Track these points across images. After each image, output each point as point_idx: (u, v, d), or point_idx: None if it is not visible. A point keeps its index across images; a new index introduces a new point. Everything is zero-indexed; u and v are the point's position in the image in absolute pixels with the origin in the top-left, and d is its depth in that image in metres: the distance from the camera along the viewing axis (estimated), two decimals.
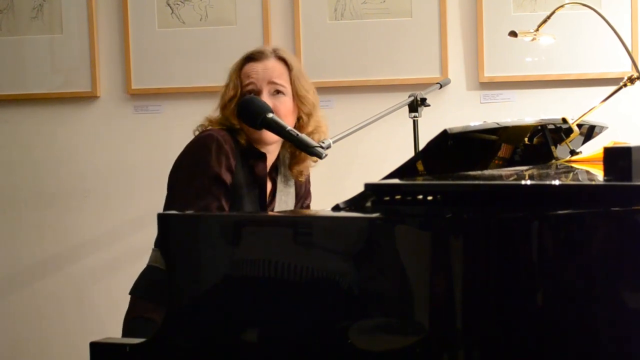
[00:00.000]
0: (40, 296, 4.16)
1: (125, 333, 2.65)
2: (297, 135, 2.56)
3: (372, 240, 1.80)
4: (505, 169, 2.45)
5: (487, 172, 2.33)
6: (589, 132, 2.90)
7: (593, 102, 2.83)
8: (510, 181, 2.03)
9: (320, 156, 2.56)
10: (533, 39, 3.05)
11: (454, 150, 2.23)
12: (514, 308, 1.70)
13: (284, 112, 2.71)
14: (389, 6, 3.91)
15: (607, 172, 1.78)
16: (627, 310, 1.70)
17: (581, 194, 1.76)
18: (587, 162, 2.59)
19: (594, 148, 2.66)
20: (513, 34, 3.00)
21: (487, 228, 1.71)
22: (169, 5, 4.03)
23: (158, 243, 2.74)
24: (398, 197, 1.82)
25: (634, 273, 1.70)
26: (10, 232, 4.18)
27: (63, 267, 4.14)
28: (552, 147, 2.66)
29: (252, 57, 2.76)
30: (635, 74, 2.80)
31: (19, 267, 4.17)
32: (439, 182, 1.94)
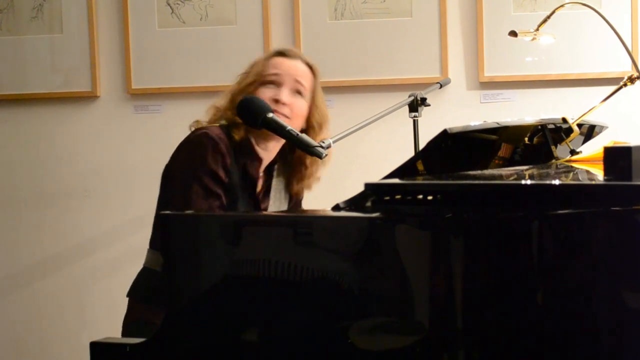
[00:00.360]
0: (40, 296, 4.16)
1: (125, 336, 2.65)
2: (297, 135, 2.55)
3: (372, 240, 1.80)
4: (505, 168, 2.45)
5: (487, 172, 2.33)
6: (589, 132, 2.90)
7: (593, 102, 2.83)
8: (510, 181, 2.03)
9: (320, 156, 2.55)
10: (533, 39, 3.05)
11: (454, 150, 2.23)
12: (514, 308, 1.70)
13: (298, 112, 2.70)
14: (389, 6, 3.91)
15: (607, 172, 1.78)
16: (627, 310, 1.70)
17: (581, 194, 1.76)
18: (587, 161, 2.59)
19: (594, 148, 2.66)
20: (513, 33, 3.00)
21: (487, 228, 1.71)
22: (169, 5, 4.03)
23: (153, 243, 2.74)
24: (398, 196, 1.82)
25: (634, 273, 1.70)
26: (10, 232, 4.18)
27: (63, 267, 4.14)
28: (552, 147, 2.66)
29: (283, 53, 2.74)
30: (635, 74, 2.80)
31: (19, 267, 4.18)
32: (439, 181, 1.94)
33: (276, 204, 2.80)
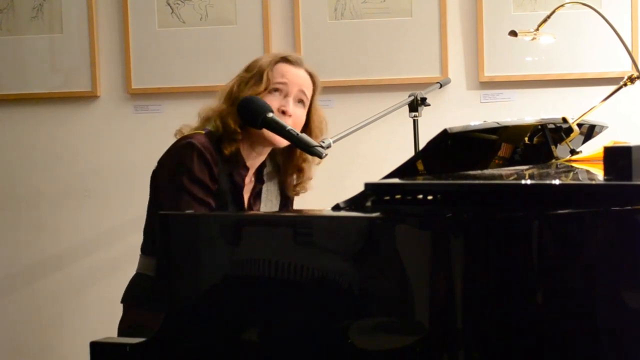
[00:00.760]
0: (40, 296, 4.16)
1: None
2: (297, 134, 2.55)
3: (372, 240, 1.80)
4: (505, 168, 2.45)
5: (487, 171, 2.33)
6: (589, 132, 2.90)
7: (593, 102, 2.83)
8: (510, 181, 2.03)
9: (320, 156, 2.55)
10: (533, 39, 3.05)
11: (454, 150, 2.23)
12: (514, 308, 1.70)
13: (298, 122, 2.72)
14: (389, 6, 3.91)
15: (607, 172, 1.78)
16: (627, 310, 1.70)
17: (581, 194, 1.76)
18: (587, 161, 2.59)
19: (594, 147, 2.66)
20: (513, 33, 3.00)
21: (487, 228, 1.71)
22: (169, 4, 4.03)
23: (145, 249, 2.75)
24: (398, 196, 1.82)
25: (634, 273, 1.70)
26: (10, 232, 4.18)
27: (63, 267, 4.14)
28: (552, 147, 2.66)
29: (288, 59, 2.74)
30: (635, 74, 2.80)
31: (18, 267, 4.17)
32: (439, 181, 1.94)
33: (268, 205, 2.80)
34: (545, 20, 3.00)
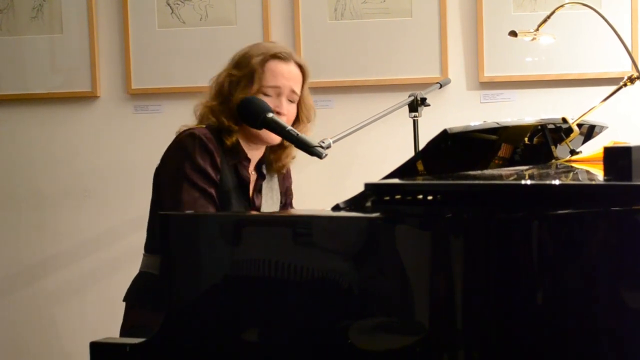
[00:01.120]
0: (40, 296, 4.16)
1: None
2: (297, 135, 2.56)
3: (372, 240, 1.80)
4: (505, 168, 2.45)
5: (487, 172, 2.33)
6: (589, 132, 2.90)
7: (593, 102, 2.83)
8: (510, 181, 2.03)
9: (320, 156, 2.55)
10: (533, 39, 3.05)
11: (454, 150, 2.23)
12: (514, 308, 1.70)
13: (291, 117, 2.74)
14: (389, 6, 3.91)
15: (607, 172, 1.78)
16: (627, 310, 1.70)
17: (581, 194, 1.76)
18: (587, 161, 2.59)
19: (594, 148, 2.66)
20: (513, 33, 3.00)
21: (487, 228, 1.71)
22: (169, 5, 4.03)
23: (148, 248, 2.75)
24: (398, 197, 1.82)
25: (634, 273, 1.70)
26: (10, 232, 4.18)
27: (63, 267, 4.14)
28: (552, 147, 2.66)
29: (278, 56, 2.74)
30: (635, 74, 2.80)
31: (19, 267, 4.17)
32: (439, 181, 1.94)
33: (268, 202, 2.80)
34: (545, 21, 3.00)
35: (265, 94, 2.69)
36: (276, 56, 2.73)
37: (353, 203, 1.88)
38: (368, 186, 1.86)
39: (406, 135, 3.44)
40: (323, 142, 2.58)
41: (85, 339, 2.15)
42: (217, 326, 1.93)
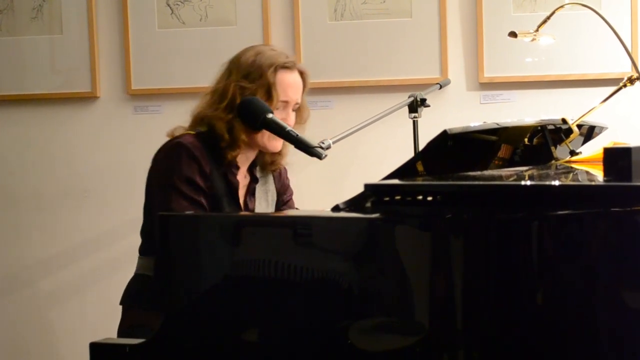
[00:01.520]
0: (40, 296, 4.16)
1: None
2: (297, 135, 2.56)
3: (372, 241, 1.80)
4: (505, 169, 2.45)
5: (487, 172, 2.33)
6: (589, 133, 2.90)
7: (593, 103, 2.83)
8: (510, 181, 2.03)
9: (320, 157, 2.55)
10: (533, 40, 3.05)
11: (454, 151, 2.23)
12: (513, 308, 1.70)
13: (291, 123, 2.74)
14: (389, 6, 3.91)
15: (606, 173, 1.78)
16: (627, 310, 1.70)
17: (581, 194, 1.76)
18: (587, 162, 2.59)
19: (593, 148, 2.66)
20: (513, 34, 3.00)
21: (487, 228, 1.71)
22: (168, 5, 4.03)
23: (143, 250, 2.75)
24: (398, 197, 1.82)
25: (634, 273, 1.70)
26: (10, 232, 4.18)
27: (63, 267, 4.14)
28: (552, 148, 2.66)
29: (287, 66, 2.72)
30: (635, 75, 2.80)
31: (19, 267, 4.17)
32: (438, 182, 1.94)
33: (262, 205, 2.80)
34: (545, 21, 3.00)
35: (276, 108, 2.69)
36: (284, 66, 2.72)
37: (353, 204, 1.88)
38: (368, 187, 1.86)
39: (406, 135, 3.44)
40: (323, 143, 2.58)
41: (85, 340, 2.15)
42: (217, 326, 1.93)
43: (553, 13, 2.97)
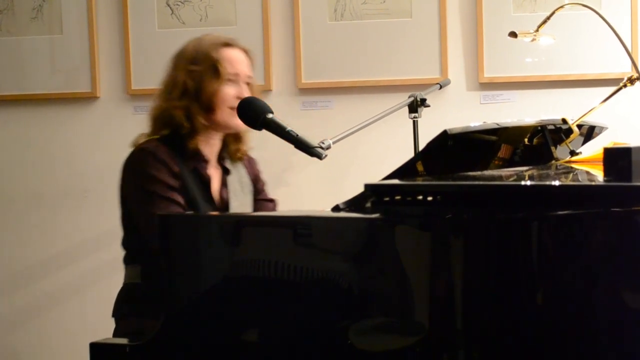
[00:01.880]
0: (40, 296, 4.16)
1: None
2: (297, 135, 2.56)
3: (372, 241, 1.80)
4: (505, 169, 2.45)
5: (487, 172, 2.33)
6: (589, 133, 2.90)
7: (593, 103, 2.83)
8: (510, 182, 2.03)
9: (320, 157, 2.55)
10: (533, 40, 3.05)
11: (454, 151, 2.23)
12: (513, 308, 1.70)
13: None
14: (389, 6, 3.91)
15: (607, 173, 1.78)
16: (627, 310, 1.70)
17: (581, 195, 1.76)
18: (587, 162, 2.59)
19: (593, 148, 2.66)
20: (513, 34, 3.00)
21: (487, 228, 1.71)
22: (168, 5, 4.03)
23: (128, 260, 2.77)
24: (398, 197, 1.82)
25: (634, 273, 1.70)
26: (10, 232, 4.18)
27: (63, 267, 4.14)
28: (552, 148, 2.66)
29: (229, 44, 2.79)
30: (635, 75, 2.80)
31: (19, 267, 4.17)
32: (439, 182, 1.94)
33: (238, 195, 2.81)
34: (545, 21, 3.00)
35: (230, 80, 2.73)
36: (226, 44, 2.79)
37: (353, 204, 1.88)
38: (368, 187, 1.86)
39: (406, 136, 3.44)
40: (323, 143, 2.58)
41: (85, 339, 2.15)
42: (217, 326, 1.93)
43: (553, 13, 2.97)
